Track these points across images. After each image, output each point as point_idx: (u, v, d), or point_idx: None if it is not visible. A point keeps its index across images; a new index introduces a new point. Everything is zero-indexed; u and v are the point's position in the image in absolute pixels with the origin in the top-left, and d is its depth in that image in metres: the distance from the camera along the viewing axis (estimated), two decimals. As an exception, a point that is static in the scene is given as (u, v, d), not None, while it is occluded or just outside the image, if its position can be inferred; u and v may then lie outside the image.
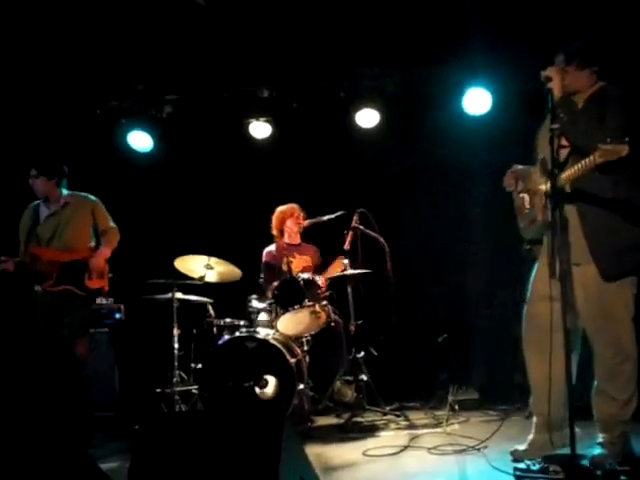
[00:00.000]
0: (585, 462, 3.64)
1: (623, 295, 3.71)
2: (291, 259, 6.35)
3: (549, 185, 3.55)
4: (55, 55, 6.33)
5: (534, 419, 4.04)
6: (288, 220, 6.60)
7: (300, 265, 6.45)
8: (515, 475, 3.70)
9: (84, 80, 6.79)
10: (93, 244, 5.70)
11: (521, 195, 4.03)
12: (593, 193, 3.65)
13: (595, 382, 3.83)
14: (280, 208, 6.67)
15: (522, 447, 3.98)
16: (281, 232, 6.67)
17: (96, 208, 5.73)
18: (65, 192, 5.68)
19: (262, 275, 6.50)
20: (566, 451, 3.40)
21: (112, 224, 5.77)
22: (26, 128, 6.76)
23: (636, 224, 3.63)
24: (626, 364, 3.70)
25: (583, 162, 3.47)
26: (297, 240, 6.71)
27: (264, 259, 6.61)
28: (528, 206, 3.99)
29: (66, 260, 5.46)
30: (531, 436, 4.01)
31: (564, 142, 3.70)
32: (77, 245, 5.58)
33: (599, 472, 3.53)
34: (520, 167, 4.02)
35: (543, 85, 3.67)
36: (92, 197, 5.77)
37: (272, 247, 6.68)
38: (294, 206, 6.63)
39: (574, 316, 3.70)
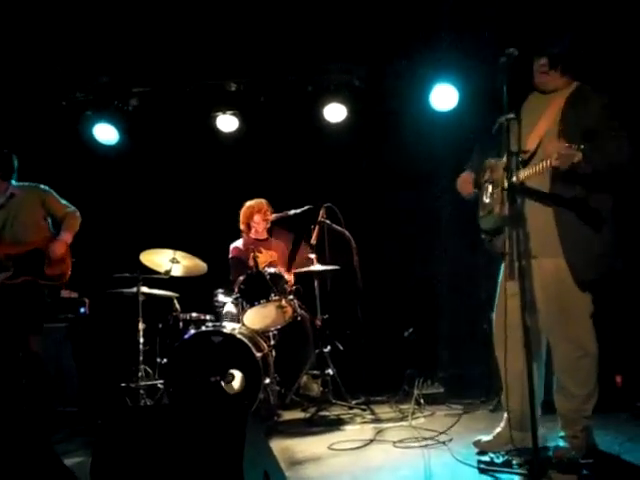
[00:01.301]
0: (549, 454, 3.70)
1: (580, 292, 3.73)
2: (257, 254, 6.34)
3: (506, 179, 3.57)
4: (20, 45, 6.24)
5: (505, 414, 4.04)
6: (255, 215, 6.59)
7: (266, 260, 6.44)
8: (479, 468, 3.74)
9: (49, 71, 6.70)
10: (51, 233, 5.56)
11: (486, 185, 4.05)
12: (556, 193, 3.68)
13: (555, 378, 3.85)
14: (248, 203, 6.66)
15: (486, 438, 4.01)
16: (248, 227, 6.66)
17: (47, 198, 5.58)
18: (13, 183, 5.55)
19: (231, 271, 6.48)
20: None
21: (69, 209, 5.62)
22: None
23: (600, 228, 3.67)
24: (585, 359, 3.73)
25: (542, 164, 3.53)
26: (264, 235, 6.70)
27: (231, 254, 6.60)
28: (488, 196, 4.00)
29: (20, 252, 5.35)
30: (498, 429, 4.03)
31: (534, 131, 3.76)
32: (29, 236, 5.44)
33: (561, 465, 3.59)
34: (493, 160, 4.02)
35: (498, 73, 3.58)
36: (42, 187, 5.61)
37: (239, 242, 6.68)
38: (262, 201, 6.61)
39: (531, 312, 3.71)
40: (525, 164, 3.71)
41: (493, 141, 3.98)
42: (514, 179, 3.54)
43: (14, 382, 5.28)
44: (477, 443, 4.02)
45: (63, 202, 5.65)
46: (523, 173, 3.65)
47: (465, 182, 4.16)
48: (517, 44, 3.89)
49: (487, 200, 4.02)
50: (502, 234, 3.95)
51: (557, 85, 3.87)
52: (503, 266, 4.04)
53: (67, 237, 5.54)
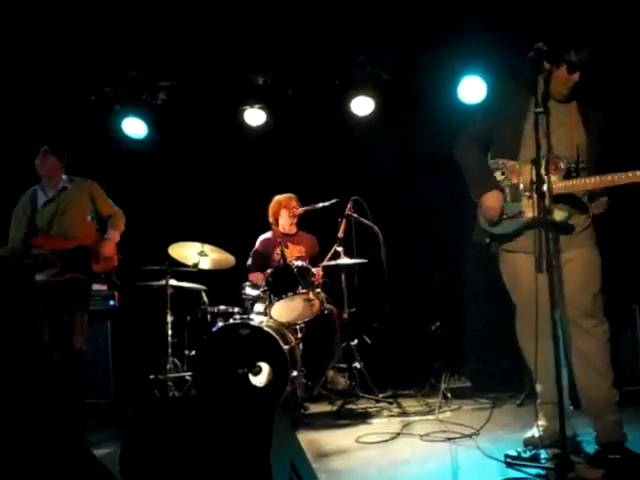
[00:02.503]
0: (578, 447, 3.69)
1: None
2: (284, 248, 6.36)
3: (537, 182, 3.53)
4: (50, 41, 6.30)
5: (544, 407, 4.00)
6: (283, 210, 6.60)
7: (293, 255, 6.45)
8: (506, 462, 3.73)
9: (78, 66, 6.75)
10: (97, 230, 5.56)
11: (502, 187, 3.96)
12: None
13: (582, 367, 3.81)
14: (276, 197, 6.67)
15: (536, 433, 3.92)
16: (277, 221, 6.67)
17: (96, 193, 5.56)
18: (63, 176, 5.52)
19: (249, 261, 6.51)
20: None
21: (115, 208, 5.64)
22: (20, 114, 6.74)
23: None
24: (607, 333, 3.80)
25: (605, 178, 3.57)
26: (293, 230, 6.71)
27: (257, 246, 6.61)
28: (508, 200, 3.88)
29: (68, 247, 5.29)
30: (543, 422, 3.96)
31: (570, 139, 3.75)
32: (76, 231, 5.39)
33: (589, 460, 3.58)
34: (510, 162, 3.95)
35: (532, 61, 3.52)
36: (91, 181, 5.60)
37: (268, 234, 6.69)
38: (290, 196, 6.62)
39: (561, 305, 3.71)
40: (568, 173, 3.70)
41: (509, 130, 3.94)
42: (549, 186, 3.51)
43: (53, 379, 5.29)
44: (527, 440, 3.94)
45: (109, 201, 5.65)
46: (563, 184, 3.65)
47: (495, 204, 3.90)
48: (545, 36, 3.86)
49: (508, 204, 3.88)
50: (517, 236, 3.92)
51: (567, 91, 3.79)
52: (516, 264, 3.99)
53: (116, 236, 5.55)
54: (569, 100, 3.82)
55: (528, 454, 3.70)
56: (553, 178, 3.62)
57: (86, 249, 5.37)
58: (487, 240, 4.05)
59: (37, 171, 5.44)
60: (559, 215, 3.70)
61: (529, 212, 3.77)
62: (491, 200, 3.88)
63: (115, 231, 5.57)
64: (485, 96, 6.58)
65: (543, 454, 3.64)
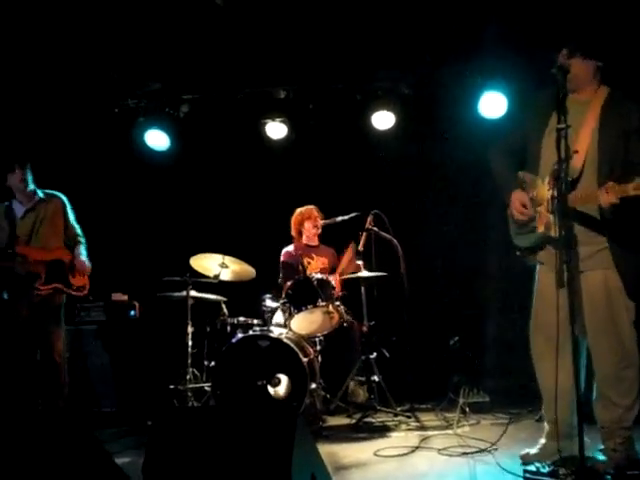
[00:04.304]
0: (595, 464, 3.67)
1: (626, 301, 3.71)
2: (309, 260, 6.39)
3: (555, 195, 3.55)
4: (74, 54, 6.38)
5: (545, 425, 4.04)
6: (306, 222, 6.65)
7: (317, 267, 6.51)
8: (524, 477, 3.73)
9: (102, 79, 6.83)
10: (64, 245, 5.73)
11: None
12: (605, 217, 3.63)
13: (596, 389, 3.82)
14: (299, 210, 6.73)
15: (533, 451, 3.98)
16: (299, 233, 6.72)
17: (67, 210, 5.76)
18: (37, 189, 5.68)
19: (280, 275, 6.55)
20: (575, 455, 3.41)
21: (82, 237, 5.79)
22: (45, 126, 6.83)
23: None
24: (630, 370, 3.71)
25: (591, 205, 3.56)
26: (315, 241, 6.76)
27: (282, 258, 6.66)
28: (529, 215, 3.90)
29: (49, 259, 5.50)
30: (543, 440, 4.00)
31: (576, 146, 3.64)
32: (52, 244, 5.61)
33: (609, 477, 3.56)
34: (529, 175, 3.97)
35: (555, 76, 3.50)
36: (62, 195, 5.79)
37: (290, 247, 6.74)
38: (312, 208, 6.67)
39: (580, 325, 3.68)
40: (574, 183, 3.64)
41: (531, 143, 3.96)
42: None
43: (31, 385, 5.43)
44: (525, 456, 3.98)
45: (77, 224, 5.82)
46: (572, 199, 3.55)
47: (519, 204, 3.89)
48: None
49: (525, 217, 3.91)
50: (539, 250, 3.93)
51: (582, 79, 3.76)
52: (538, 278, 4.02)
53: (84, 258, 5.69)
54: (586, 92, 3.81)
55: (547, 469, 3.70)
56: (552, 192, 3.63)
57: (62, 262, 5.56)
58: (517, 253, 4.06)
59: (17, 187, 5.60)
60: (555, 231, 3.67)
61: (540, 227, 3.79)
62: (513, 198, 3.92)
63: (84, 256, 5.71)
64: (507, 110, 6.59)
65: (562, 470, 3.64)
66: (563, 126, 3.38)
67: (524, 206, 3.86)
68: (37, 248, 5.51)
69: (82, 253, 5.69)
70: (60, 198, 5.76)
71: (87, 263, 5.66)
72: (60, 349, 5.50)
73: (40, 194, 5.67)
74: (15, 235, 5.48)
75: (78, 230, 5.79)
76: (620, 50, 5.13)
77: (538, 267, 4.02)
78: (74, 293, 5.61)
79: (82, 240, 5.77)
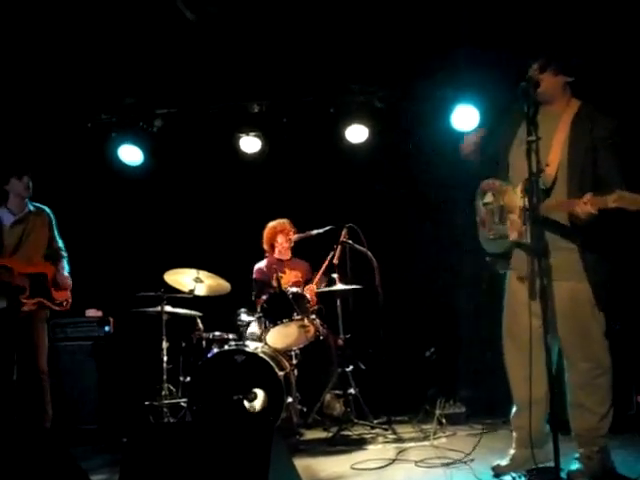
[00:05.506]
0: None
1: (595, 312, 3.76)
2: (281, 274, 6.38)
3: (526, 204, 3.59)
4: (46, 68, 6.35)
5: (514, 434, 4.05)
6: (279, 235, 6.65)
7: (290, 280, 6.50)
8: (501, 488, 3.74)
9: (75, 93, 6.80)
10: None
11: (490, 208, 4.00)
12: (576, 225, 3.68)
13: (570, 397, 3.85)
14: (271, 223, 6.72)
15: (504, 462, 3.99)
16: (272, 247, 6.72)
17: (52, 223, 5.73)
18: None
19: (254, 292, 6.53)
20: (550, 465, 3.42)
21: (64, 252, 5.77)
22: (16, 140, 6.77)
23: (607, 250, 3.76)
24: (603, 377, 3.76)
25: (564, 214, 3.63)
26: (287, 255, 6.75)
27: (254, 276, 6.65)
28: (497, 221, 3.93)
29: (33, 272, 5.45)
30: (512, 451, 4.02)
31: (548, 158, 3.69)
32: (37, 257, 5.56)
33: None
34: (498, 182, 4.01)
35: (524, 90, 3.55)
36: (48, 209, 5.76)
37: (262, 263, 6.73)
38: (285, 221, 6.67)
39: (552, 332, 3.71)
40: (547, 192, 3.70)
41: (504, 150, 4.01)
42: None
43: (17, 400, 5.36)
44: (497, 468, 3.98)
45: (60, 239, 5.79)
46: (545, 207, 3.60)
47: (470, 143, 4.15)
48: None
49: (496, 225, 3.94)
50: (509, 257, 3.97)
51: (553, 94, 3.82)
52: (509, 284, 4.05)
53: (65, 273, 5.66)
54: (557, 105, 3.86)
55: (523, 479, 3.72)
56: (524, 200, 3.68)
57: (45, 276, 5.51)
58: (487, 259, 4.09)
59: (19, 193, 5.53)
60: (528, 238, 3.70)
61: (512, 234, 3.82)
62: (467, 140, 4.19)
63: (66, 272, 5.68)
64: (479, 122, 6.64)
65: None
66: (533, 138, 3.43)
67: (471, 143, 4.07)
68: (22, 260, 5.44)
69: (64, 267, 5.66)
70: (47, 212, 5.73)
71: (69, 278, 5.63)
72: (44, 367, 5.43)
73: (30, 206, 5.62)
74: (1, 245, 5.41)
75: (61, 244, 5.76)
76: (592, 63, 5.21)
77: (509, 274, 4.05)
78: (56, 308, 5.55)
79: (64, 255, 5.74)
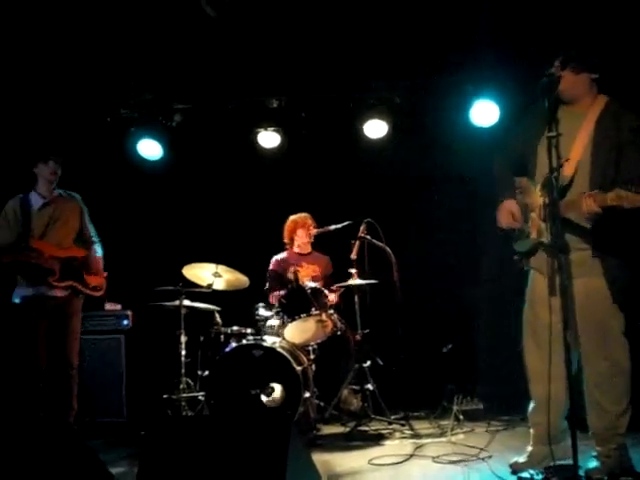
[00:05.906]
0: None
1: (614, 310, 3.73)
2: (298, 268, 6.39)
3: (545, 202, 3.58)
4: (67, 64, 6.38)
5: (532, 430, 4.04)
6: (299, 229, 6.65)
7: (308, 274, 6.49)
8: (518, 485, 3.74)
9: (95, 88, 6.83)
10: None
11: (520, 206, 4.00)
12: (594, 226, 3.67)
13: (587, 395, 3.82)
14: (292, 217, 6.73)
15: (522, 459, 3.98)
16: (292, 240, 6.73)
17: (84, 211, 5.70)
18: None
19: (267, 283, 6.55)
20: (568, 462, 3.41)
21: (97, 238, 5.75)
22: (37, 135, 6.82)
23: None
24: (621, 376, 3.73)
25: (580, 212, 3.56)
26: (307, 249, 6.76)
27: (271, 267, 6.67)
28: (522, 220, 3.93)
29: (63, 256, 5.38)
30: (530, 448, 4.01)
31: (568, 155, 3.67)
32: (67, 242, 5.52)
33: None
34: (525, 180, 4.00)
35: (545, 86, 3.56)
36: (78, 196, 5.74)
37: (281, 255, 6.75)
38: (305, 215, 6.68)
39: (573, 334, 3.69)
40: (564, 191, 3.66)
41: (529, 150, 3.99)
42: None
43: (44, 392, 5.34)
44: (514, 465, 3.98)
45: (91, 225, 5.77)
46: (562, 205, 3.56)
47: (507, 212, 3.96)
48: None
49: (524, 223, 3.94)
50: (533, 255, 3.95)
51: (576, 92, 3.79)
52: (532, 283, 4.04)
53: (100, 257, 5.66)
54: (582, 102, 3.82)
55: (540, 477, 3.71)
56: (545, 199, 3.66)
57: (76, 259, 5.46)
58: (515, 257, 4.08)
59: (45, 177, 5.49)
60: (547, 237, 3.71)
61: (533, 233, 3.82)
62: (502, 207, 3.98)
63: (100, 256, 5.67)
64: (499, 118, 6.61)
65: (555, 478, 3.65)
66: (554, 134, 3.41)
67: (513, 215, 3.91)
68: (51, 244, 5.39)
69: (97, 251, 5.64)
70: (78, 199, 5.71)
71: (101, 260, 5.61)
72: (74, 361, 5.38)
73: (60, 191, 5.61)
74: (30, 228, 5.36)
75: (93, 232, 5.74)
76: (618, 58, 5.16)
77: (531, 272, 4.04)
78: (90, 292, 5.50)
79: (97, 240, 5.72)
